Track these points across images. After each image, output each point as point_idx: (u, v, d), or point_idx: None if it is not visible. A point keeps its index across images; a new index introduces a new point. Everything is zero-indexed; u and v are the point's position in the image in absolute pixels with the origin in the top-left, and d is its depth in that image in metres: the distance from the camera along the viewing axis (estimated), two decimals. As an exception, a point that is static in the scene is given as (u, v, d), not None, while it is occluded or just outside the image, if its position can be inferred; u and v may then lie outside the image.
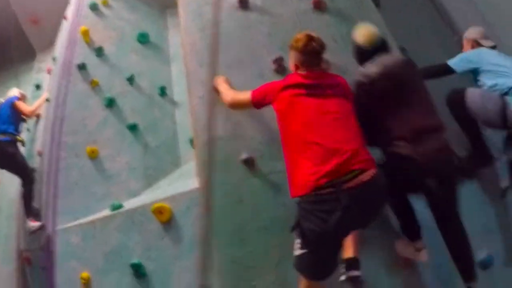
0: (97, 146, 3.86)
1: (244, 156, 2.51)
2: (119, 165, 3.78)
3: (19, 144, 4.46)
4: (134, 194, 3.62)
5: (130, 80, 4.17)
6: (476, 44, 3.20)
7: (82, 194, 3.75)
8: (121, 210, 3.08)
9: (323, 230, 1.94)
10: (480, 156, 2.92)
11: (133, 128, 3.93)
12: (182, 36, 3.14)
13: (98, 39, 4.45)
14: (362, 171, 1.96)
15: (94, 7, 4.69)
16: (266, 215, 2.43)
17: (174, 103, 4.08)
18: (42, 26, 6.37)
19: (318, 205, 1.94)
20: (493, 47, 3.18)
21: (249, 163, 2.52)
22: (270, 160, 2.51)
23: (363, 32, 2.48)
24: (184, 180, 3.13)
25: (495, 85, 2.89)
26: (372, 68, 2.35)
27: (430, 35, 3.43)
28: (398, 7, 3.20)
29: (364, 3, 3.13)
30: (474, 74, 3.06)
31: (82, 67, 4.27)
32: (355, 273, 2.19)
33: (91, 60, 4.34)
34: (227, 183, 2.53)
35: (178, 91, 4.00)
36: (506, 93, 2.84)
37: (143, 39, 4.44)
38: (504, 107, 2.78)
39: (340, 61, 2.75)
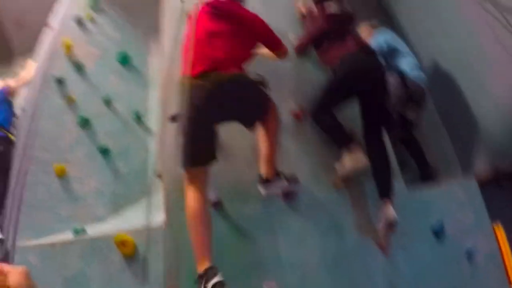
0: (67, 165, 3.75)
1: (212, 198, 2.51)
2: (87, 188, 3.68)
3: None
4: (99, 219, 3.52)
5: (107, 102, 4.10)
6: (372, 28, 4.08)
7: (46, 212, 3.60)
8: (83, 236, 3.01)
9: None
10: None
11: (105, 152, 3.84)
12: (162, 63, 3.14)
13: (80, 54, 4.37)
14: None
15: (78, 20, 4.61)
16: (230, 260, 2.43)
17: (147, 131, 3.99)
18: (25, 30, 6.25)
19: None
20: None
21: (217, 205, 2.52)
22: (238, 203, 2.52)
23: None
24: (152, 212, 3.09)
25: None
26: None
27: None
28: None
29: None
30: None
31: (60, 81, 4.19)
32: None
33: (70, 76, 4.23)
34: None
35: (153, 119, 3.94)
36: None
37: (124, 60, 4.36)
38: None
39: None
